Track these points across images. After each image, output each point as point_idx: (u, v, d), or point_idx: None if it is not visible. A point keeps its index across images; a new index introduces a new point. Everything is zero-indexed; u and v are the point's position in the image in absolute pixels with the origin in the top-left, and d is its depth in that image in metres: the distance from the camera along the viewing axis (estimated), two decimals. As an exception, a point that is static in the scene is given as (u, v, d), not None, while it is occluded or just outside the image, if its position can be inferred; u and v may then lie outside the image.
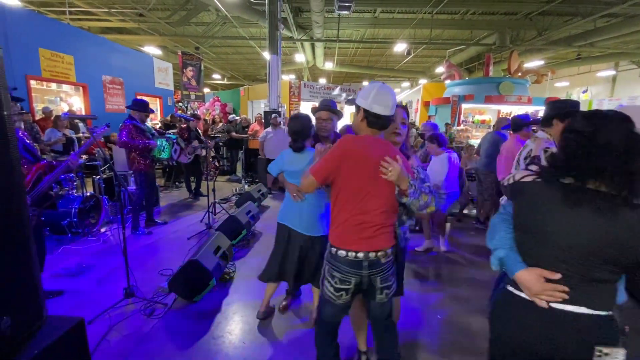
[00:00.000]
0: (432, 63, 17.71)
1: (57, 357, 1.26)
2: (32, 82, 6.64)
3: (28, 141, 2.44)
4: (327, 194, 1.87)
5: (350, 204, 1.51)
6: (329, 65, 16.38)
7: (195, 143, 5.28)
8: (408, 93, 18.65)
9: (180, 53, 12.50)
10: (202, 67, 13.01)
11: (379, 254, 1.51)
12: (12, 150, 1.17)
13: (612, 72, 14.76)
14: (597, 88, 16.12)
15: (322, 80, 20.63)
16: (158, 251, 3.74)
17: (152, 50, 12.90)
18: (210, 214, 4.63)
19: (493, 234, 1.20)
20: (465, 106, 11.23)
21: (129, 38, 12.63)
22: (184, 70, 12.55)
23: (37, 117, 6.44)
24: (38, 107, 6.99)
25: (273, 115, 6.61)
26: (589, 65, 14.86)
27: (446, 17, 10.96)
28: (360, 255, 1.50)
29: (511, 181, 1.21)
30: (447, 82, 12.90)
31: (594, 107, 13.49)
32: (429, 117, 13.47)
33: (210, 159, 6.93)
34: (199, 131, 5.95)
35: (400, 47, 11.88)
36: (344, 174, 1.49)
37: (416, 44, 12.48)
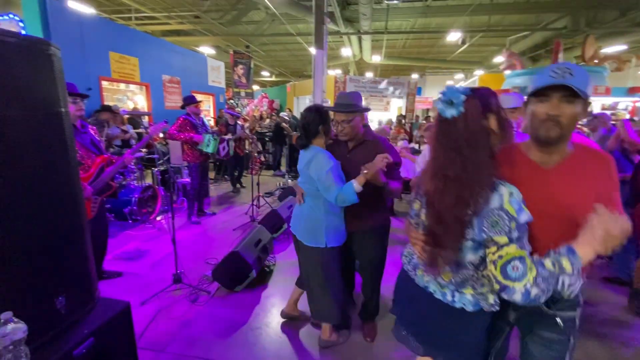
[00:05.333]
0: (490, 52, 16.36)
1: (106, 337, 1.35)
2: (104, 83, 7.37)
3: (96, 136, 2.69)
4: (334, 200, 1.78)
5: None
6: (376, 58, 15.95)
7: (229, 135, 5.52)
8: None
9: (231, 52, 13.04)
10: (252, 65, 13.45)
11: None
12: (69, 145, 1.26)
13: None
14: (695, 75, 13.66)
15: (369, 74, 20.19)
16: (206, 240, 3.94)
17: (206, 50, 13.63)
18: (255, 206, 4.77)
19: None
20: (527, 98, 10.20)
21: (186, 40, 13.46)
22: (235, 69, 13.08)
23: (109, 114, 7.15)
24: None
25: None
26: (685, 49, 12.63)
27: (507, 1, 9.99)
28: None
29: None
30: (507, 72, 11.84)
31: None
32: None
33: (256, 154, 7.14)
34: (239, 125, 6.14)
35: (454, 36, 11.12)
36: None
37: (472, 32, 11.60)
